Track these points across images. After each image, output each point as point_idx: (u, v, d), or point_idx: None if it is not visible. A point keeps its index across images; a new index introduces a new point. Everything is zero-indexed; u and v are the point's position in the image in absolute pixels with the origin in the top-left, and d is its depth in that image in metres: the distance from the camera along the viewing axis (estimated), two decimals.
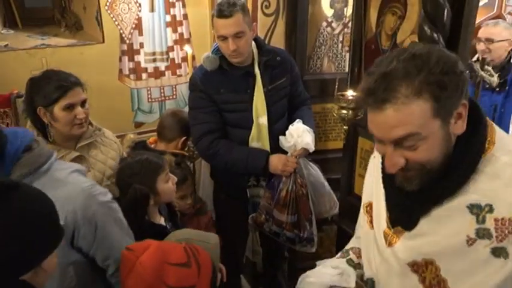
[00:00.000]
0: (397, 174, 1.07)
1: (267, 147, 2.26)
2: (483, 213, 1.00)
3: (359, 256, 1.38)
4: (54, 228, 1.09)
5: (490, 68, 2.05)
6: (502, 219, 0.98)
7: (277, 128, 2.30)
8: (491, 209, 0.99)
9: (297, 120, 2.24)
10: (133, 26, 3.04)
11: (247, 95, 2.21)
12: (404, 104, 0.95)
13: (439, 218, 1.06)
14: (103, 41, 3.01)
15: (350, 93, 1.95)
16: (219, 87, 2.19)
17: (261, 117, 2.23)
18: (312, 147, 2.19)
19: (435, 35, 1.61)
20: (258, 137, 2.26)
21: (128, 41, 3.06)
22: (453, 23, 1.65)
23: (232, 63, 2.17)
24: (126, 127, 3.13)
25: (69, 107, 1.82)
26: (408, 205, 1.11)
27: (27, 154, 1.34)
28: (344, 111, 1.94)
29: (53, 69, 1.94)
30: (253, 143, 2.25)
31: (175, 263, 1.34)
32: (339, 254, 1.45)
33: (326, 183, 2.37)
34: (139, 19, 3.05)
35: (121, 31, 3.02)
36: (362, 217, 1.36)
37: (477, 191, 1.01)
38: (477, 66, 1.97)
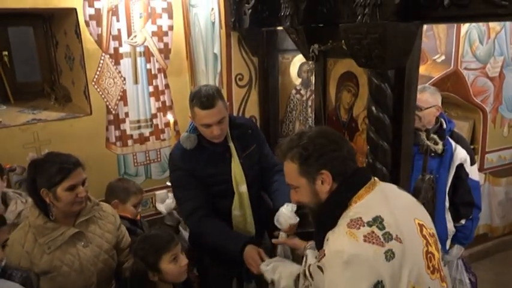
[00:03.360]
0: None
1: (249, 213, 2.43)
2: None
3: None
4: None
5: (435, 137, 2.29)
6: (322, 250, 1.42)
7: (254, 193, 2.47)
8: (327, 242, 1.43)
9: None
10: (119, 97, 3.28)
11: (225, 167, 2.37)
12: (287, 163, 1.53)
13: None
14: (91, 113, 3.23)
15: None
16: (199, 164, 2.33)
17: (240, 186, 2.39)
18: None
19: (381, 115, 1.86)
20: (240, 205, 2.41)
21: (113, 112, 3.29)
22: (397, 102, 1.90)
23: (210, 141, 2.32)
24: None
25: (72, 188, 1.93)
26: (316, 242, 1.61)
27: None
28: None
29: (53, 152, 2.06)
30: (236, 211, 2.41)
31: None
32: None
33: None
34: (124, 91, 3.29)
35: (107, 103, 3.25)
36: None
37: (332, 232, 1.43)
38: (423, 136, 2.21)
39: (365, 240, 1.31)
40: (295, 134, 1.57)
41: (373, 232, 1.33)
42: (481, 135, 4.13)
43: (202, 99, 2.19)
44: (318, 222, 1.55)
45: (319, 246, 1.52)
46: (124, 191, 2.87)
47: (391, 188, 1.58)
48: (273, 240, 2.16)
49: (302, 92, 3.07)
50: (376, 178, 1.56)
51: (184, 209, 2.42)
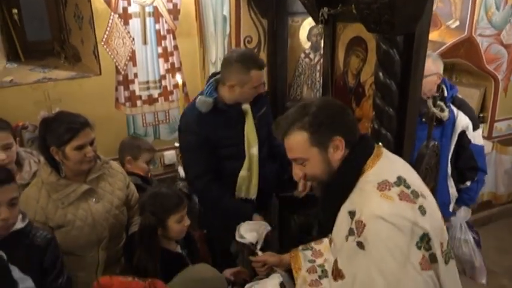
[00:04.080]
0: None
1: (256, 175, 2.49)
2: (352, 217, 1.38)
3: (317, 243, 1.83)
4: None
5: (442, 104, 2.27)
6: (357, 221, 1.35)
7: (262, 154, 2.52)
8: (354, 214, 1.38)
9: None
10: (128, 58, 3.29)
11: (239, 130, 2.41)
12: (293, 135, 1.46)
13: (337, 225, 1.49)
14: (100, 73, 3.25)
15: None
16: (215, 127, 2.36)
17: (252, 148, 2.43)
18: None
19: (388, 81, 1.86)
20: (249, 167, 2.46)
21: (123, 72, 3.31)
22: (404, 68, 1.89)
23: (227, 103, 2.37)
24: None
25: (80, 147, 1.98)
26: (322, 216, 1.58)
27: None
28: None
29: (64, 111, 2.11)
30: (243, 172, 2.46)
31: None
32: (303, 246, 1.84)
33: None
34: (133, 52, 3.29)
35: (116, 63, 3.26)
36: None
37: (352, 201, 1.43)
38: (430, 102, 2.20)
39: (400, 199, 1.33)
40: (297, 107, 1.51)
41: (403, 191, 1.35)
42: (491, 103, 4.09)
43: (259, 60, 2.30)
44: (331, 191, 1.50)
45: (329, 218, 1.51)
46: (136, 148, 2.95)
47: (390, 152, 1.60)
48: (252, 259, 2.03)
49: (311, 56, 3.04)
50: (380, 143, 1.58)
51: (191, 172, 2.48)
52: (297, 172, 1.52)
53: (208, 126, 2.36)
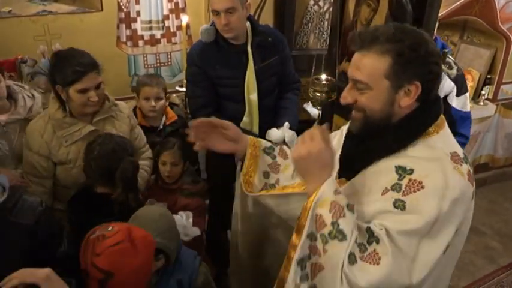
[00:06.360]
0: (351, 116, 1.35)
1: (256, 121, 2.48)
2: (404, 174, 1.24)
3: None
4: None
5: (451, 61, 2.21)
6: (414, 180, 1.21)
7: (266, 103, 2.49)
8: (412, 172, 1.23)
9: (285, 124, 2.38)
10: None
11: (240, 72, 2.38)
12: (372, 55, 1.22)
13: (372, 174, 1.32)
14: (101, 9, 3.14)
15: (324, 77, 2.15)
16: (214, 63, 2.35)
17: (251, 94, 2.41)
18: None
19: None
20: (249, 112, 2.46)
21: (125, 9, 3.19)
22: (416, 21, 1.83)
23: (228, 40, 2.31)
24: (124, 91, 3.32)
25: (83, 91, 1.95)
26: (355, 156, 1.38)
27: None
28: (318, 94, 2.15)
29: (74, 49, 2.03)
30: (245, 117, 2.46)
31: None
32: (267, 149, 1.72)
33: None
34: None
35: None
36: None
37: (408, 157, 1.26)
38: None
39: (468, 179, 1.25)
40: (391, 27, 1.25)
41: (469, 171, 1.27)
42: (500, 65, 4.01)
43: None
44: (385, 140, 1.31)
45: (363, 163, 1.35)
46: (137, 84, 2.80)
47: None
48: None
49: (320, 3, 2.94)
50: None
51: (192, 104, 2.51)
52: (347, 96, 1.30)
53: (208, 61, 2.35)
